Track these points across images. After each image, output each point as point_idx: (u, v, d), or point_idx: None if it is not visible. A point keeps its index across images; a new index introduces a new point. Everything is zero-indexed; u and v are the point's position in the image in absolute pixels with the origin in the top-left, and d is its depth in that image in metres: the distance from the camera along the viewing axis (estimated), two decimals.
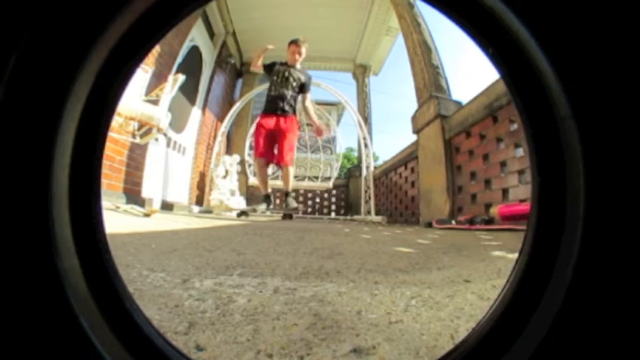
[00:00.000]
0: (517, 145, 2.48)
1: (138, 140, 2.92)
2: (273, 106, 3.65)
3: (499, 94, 2.66)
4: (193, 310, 0.57)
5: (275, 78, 3.72)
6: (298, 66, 3.80)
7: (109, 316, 0.27)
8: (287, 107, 3.68)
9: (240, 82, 7.46)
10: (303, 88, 3.76)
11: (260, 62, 3.79)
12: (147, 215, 2.52)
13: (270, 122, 3.64)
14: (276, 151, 3.76)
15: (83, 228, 0.27)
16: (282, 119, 3.64)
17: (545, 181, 0.27)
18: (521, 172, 2.43)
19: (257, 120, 3.86)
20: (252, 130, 6.74)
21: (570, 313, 0.23)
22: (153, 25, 0.29)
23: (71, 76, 0.24)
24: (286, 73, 3.70)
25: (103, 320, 0.26)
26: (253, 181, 6.37)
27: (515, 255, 0.29)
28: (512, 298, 0.27)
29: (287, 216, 4.38)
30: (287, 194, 3.96)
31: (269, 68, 3.77)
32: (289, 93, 3.71)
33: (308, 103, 3.87)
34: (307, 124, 6.74)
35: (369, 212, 5.69)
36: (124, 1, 0.25)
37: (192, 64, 5.17)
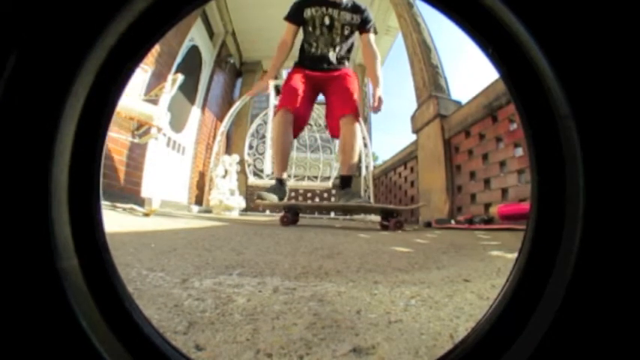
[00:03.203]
0: (516, 145, 2.48)
1: (137, 140, 2.92)
2: (314, 64, 2.47)
3: (498, 94, 2.66)
4: (193, 310, 0.57)
5: (310, 28, 2.40)
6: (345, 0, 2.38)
7: (109, 316, 0.27)
8: (335, 63, 2.46)
9: (239, 81, 7.46)
10: (361, 28, 2.45)
11: (287, 32, 2.46)
12: (146, 215, 2.52)
13: (313, 75, 2.46)
14: (324, 111, 2.57)
15: (83, 228, 0.27)
16: (329, 73, 2.46)
17: (544, 181, 0.27)
18: (520, 172, 2.43)
19: (290, 70, 2.56)
20: (252, 129, 6.77)
21: (570, 313, 0.23)
22: (152, 25, 0.29)
23: (71, 75, 0.24)
24: (327, 19, 2.37)
25: (103, 320, 0.26)
26: (253, 180, 6.37)
27: (514, 254, 0.29)
28: (511, 298, 0.27)
29: (386, 222, 2.56)
30: (346, 180, 2.51)
31: (296, 16, 2.43)
32: (337, 49, 2.42)
33: (373, 47, 2.44)
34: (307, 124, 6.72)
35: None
36: (124, 1, 0.25)
37: (191, 64, 5.16)
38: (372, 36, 2.48)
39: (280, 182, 2.55)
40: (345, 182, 2.52)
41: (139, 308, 0.29)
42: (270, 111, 6.88)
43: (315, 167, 6.76)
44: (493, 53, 0.28)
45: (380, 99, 2.42)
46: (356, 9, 2.42)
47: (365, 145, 6.18)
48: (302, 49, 2.53)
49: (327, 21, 2.35)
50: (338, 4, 2.37)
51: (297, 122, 2.45)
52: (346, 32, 2.41)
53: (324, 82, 2.46)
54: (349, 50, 2.53)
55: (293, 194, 6.63)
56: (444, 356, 0.29)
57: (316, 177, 6.71)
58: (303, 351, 0.45)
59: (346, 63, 2.51)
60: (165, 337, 0.29)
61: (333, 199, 6.79)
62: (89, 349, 0.24)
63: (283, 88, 2.49)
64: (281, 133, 2.38)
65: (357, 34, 2.50)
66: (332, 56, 2.45)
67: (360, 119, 2.40)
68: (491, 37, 0.28)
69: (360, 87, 7.39)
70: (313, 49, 2.44)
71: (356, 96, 2.47)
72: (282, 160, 2.47)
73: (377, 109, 2.47)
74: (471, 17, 0.29)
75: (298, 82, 2.41)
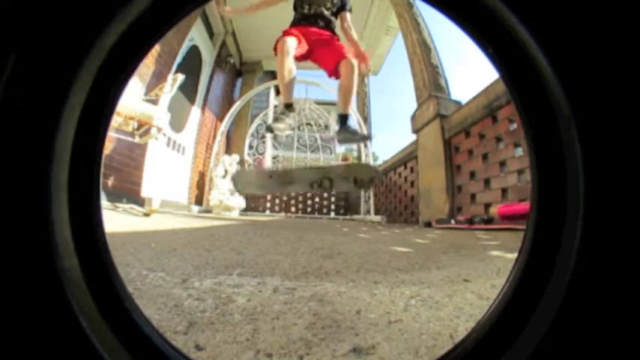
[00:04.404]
0: (516, 145, 2.49)
1: (137, 140, 2.92)
2: (308, 21, 2.61)
3: (498, 94, 2.66)
4: (193, 310, 0.57)
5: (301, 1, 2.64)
6: None
7: (109, 316, 0.26)
8: (326, 24, 2.66)
9: (239, 81, 7.46)
10: (341, 7, 2.71)
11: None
12: (146, 215, 2.52)
13: (306, 29, 2.55)
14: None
15: (83, 228, 0.27)
16: (320, 32, 2.61)
17: (544, 181, 0.27)
18: (520, 172, 2.43)
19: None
20: (252, 129, 6.77)
21: (570, 312, 0.23)
22: (152, 25, 0.29)
23: (71, 76, 0.24)
24: None
25: (103, 320, 0.26)
26: None
27: (514, 254, 0.29)
28: (511, 298, 0.27)
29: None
30: (343, 118, 2.62)
31: None
32: (325, 18, 2.65)
33: (349, 23, 2.79)
34: (307, 124, 6.75)
35: (368, 212, 5.68)
36: (124, 1, 0.25)
37: (191, 64, 5.16)
38: (348, 14, 2.70)
39: (289, 106, 2.60)
40: (343, 120, 2.62)
41: (139, 308, 0.29)
42: (270, 111, 6.88)
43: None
44: (493, 53, 0.28)
45: (363, 52, 2.54)
46: None
47: (365, 146, 6.19)
48: (295, 16, 2.63)
49: None
50: None
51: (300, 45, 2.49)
52: (332, 2, 2.57)
53: (316, 41, 2.55)
54: (334, 24, 2.62)
55: (293, 194, 6.63)
56: (444, 356, 0.29)
57: None
58: (303, 351, 0.45)
59: (332, 31, 2.60)
60: (165, 337, 0.29)
61: (333, 198, 6.79)
62: (89, 349, 0.24)
63: (284, 32, 2.55)
64: (283, 58, 2.42)
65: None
66: (324, 12, 2.58)
67: (357, 60, 2.47)
68: (491, 37, 0.28)
69: (360, 87, 7.41)
70: (306, 10, 2.60)
71: (349, 47, 2.56)
72: (286, 81, 2.50)
73: (365, 60, 2.53)
74: (471, 17, 0.29)
75: (295, 31, 2.48)
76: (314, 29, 2.56)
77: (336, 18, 2.70)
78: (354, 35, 2.69)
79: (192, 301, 0.62)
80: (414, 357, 0.44)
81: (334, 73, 2.57)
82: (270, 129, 2.59)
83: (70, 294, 0.24)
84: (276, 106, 6.70)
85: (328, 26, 2.62)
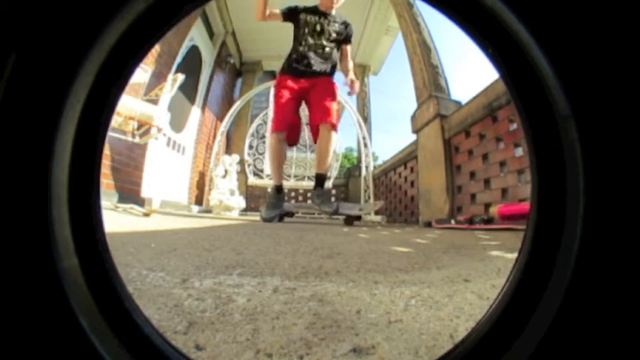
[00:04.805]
0: (516, 145, 2.49)
1: (137, 140, 2.92)
2: (301, 66, 2.74)
3: (498, 94, 2.67)
4: (193, 310, 0.57)
5: (303, 31, 2.75)
6: (334, 12, 2.83)
7: (109, 316, 0.26)
8: (320, 68, 2.76)
9: (239, 81, 7.47)
10: (343, 41, 2.89)
11: (274, 10, 2.71)
12: (146, 215, 2.52)
13: (297, 84, 2.76)
14: (307, 119, 2.92)
15: (83, 228, 0.27)
16: (313, 80, 2.76)
17: (544, 181, 0.27)
18: (520, 172, 2.43)
19: (277, 79, 2.92)
20: (252, 129, 6.77)
21: (570, 313, 0.23)
22: (152, 25, 0.29)
23: (71, 75, 0.24)
24: (318, 26, 2.74)
25: (103, 320, 0.26)
26: (253, 180, 6.38)
27: (514, 254, 0.29)
28: (511, 298, 0.27)
29: (350, 220, 3.22)
30: (320, 180, 2.92)
31: (290, 16, 2.77)
32: (324, 52, 2.76)
33: (349, 59, 2.97)
34: (307, 124, 6.76)
35: (368, 212, 5.69)
36: (124, 1, 0.25)
37: (191, 64, 5.16)
38: (349, 48, 3.03)
39: (279, 189, 3.00)
40: (319, 181, 2.98)
41: (139, 308, 0.29)
42: (270, 111, 6.88)
43: (315, 167, 6.76)
44: (493, 53, 0.28)
45: (352, 81, 2.88)
46: (343, 22, 2.91)
47: (365, 145, 6.19)
48: (290, 54, 2.86)
49: (318, 28, 2.78)
50: (328, 14, 2.85)
51: (291, 134, 2.85)
52: (333, 37, 2.82)
53: (307, 91, 2.79)
54: (333, 64, 2.91)
55: (293, 194, 6.64)
56: (444, 356, 0.29)
57: None
58: (303, 351, 0.45)
59: (326, 73, 2.86)
60: (165, 337, 0.29)
61: (333, 199, 6.78)
62: (89, 349, 0.24)
63: (274, 109, 2.91)
64: (275, 151, 2.82)
65: (338, 53, 2.94)
66: (318, 55, 2.79)
67: (337, 129, 2.84)
68: (491, 37, 0.28)
69: (361, 87, 7.41)
70: (302, 48, 2.79)
71: (335, 107, 2.82)
72: (276, 170, 2.95)
73: (353, 91, 2.89)
74: (471, 17, 0.29)
75: (285, 97, 2.77)
76: (308, 80, 2.72)
77: (339, 50, 2.89)
78: (350, 73, 2.96)
79: (192, 301, 0.62)
80: (414, 357, 0.44)
81: (315, 135, 2.83)
82: (265, 220, 2.89)
83: (70, 294, 0.24)
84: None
85: (324, 72, 2.79)
